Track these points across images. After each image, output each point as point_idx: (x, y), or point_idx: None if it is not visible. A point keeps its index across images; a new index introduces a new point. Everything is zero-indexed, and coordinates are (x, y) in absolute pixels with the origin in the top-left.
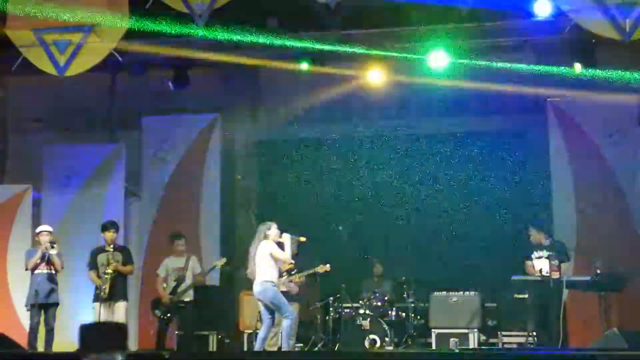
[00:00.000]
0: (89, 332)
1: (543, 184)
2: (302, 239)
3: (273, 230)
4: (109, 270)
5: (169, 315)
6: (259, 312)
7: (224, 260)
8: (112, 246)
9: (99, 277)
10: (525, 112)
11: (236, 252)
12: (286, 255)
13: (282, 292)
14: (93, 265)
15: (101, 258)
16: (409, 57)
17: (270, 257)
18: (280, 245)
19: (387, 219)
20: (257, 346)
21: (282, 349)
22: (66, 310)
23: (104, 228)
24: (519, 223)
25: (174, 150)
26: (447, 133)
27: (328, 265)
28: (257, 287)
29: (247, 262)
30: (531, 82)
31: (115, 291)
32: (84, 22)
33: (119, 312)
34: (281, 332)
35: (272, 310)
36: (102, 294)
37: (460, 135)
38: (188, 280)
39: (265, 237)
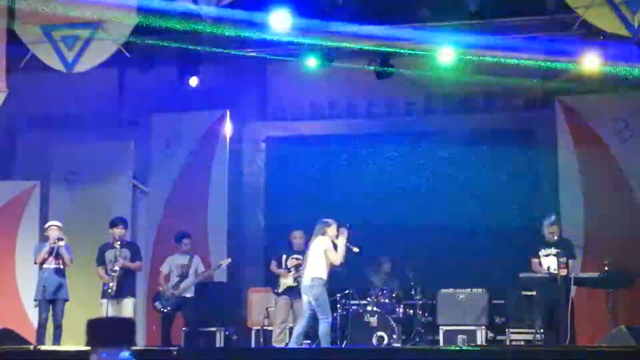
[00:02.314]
0: (96, 327)
1: (551, 181)
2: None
3: (331, 229)
4: (116, 268)
5: (168, 309)
6: (267, 308)
7: (228, 260)
8: (119, 243)
9: (107, 273)
10: (534, 109)
11: (243, 248)
12: (337, 256)
13: (291, 287)
14: (101, 261)
15: (109, 254)
16: (416, 53)
17: (323, 254)
18: (336, 246)
19: (395, 216)
20: (291, 342)
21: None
22: (74, 306)
23: (113, 224)
24: (527, 221)
25: (182, 147)
26: (455, 130)
27: None
28: (306, 282)
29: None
30: (539, 78)
31: (122, 287)
32: (92, 19)
33: (127, 308)
34: (320, 335)
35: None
36: (109, 290)
37: (467, 132)
38: (191, 277)
39: (324, 233)
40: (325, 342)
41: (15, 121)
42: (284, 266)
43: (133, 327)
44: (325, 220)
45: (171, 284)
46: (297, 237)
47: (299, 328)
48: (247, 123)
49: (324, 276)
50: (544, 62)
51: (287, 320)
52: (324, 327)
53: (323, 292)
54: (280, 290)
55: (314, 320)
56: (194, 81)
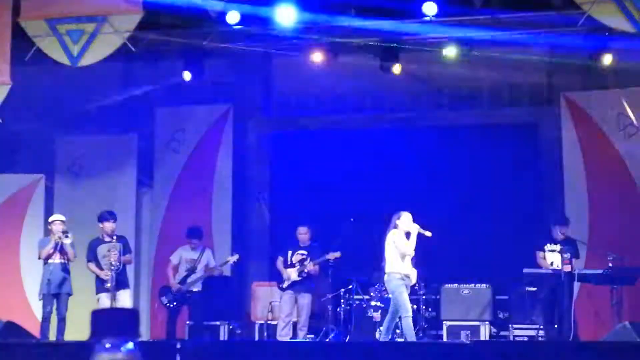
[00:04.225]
0: (100, 318)
1: (555, 176)
2: (428, 233)
3: (402, 219)
4: (118, 263)
5: (175, 304)
6: (271, 302)
7: (236, 256)
8: (113, 237)
9: (101, 269)
10: (538, 104)
11: (248, 243)
12: (407, 245)
13: (296, 281)
14: (92, 257)
15: (102, 250)
16: (422, 48)
17: (393, 247)
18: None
19: (399, 211)
20: (382, 337)
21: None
22: (77, 300)
23: (103, 218)
24: (531, 216)
25: (186, 141)
26: (460, 125)
27: (339, 252)
28: (385, 277)
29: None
30: (544, 74)
31: (118, 281)
32: (98, 12)
33: (124, 300)
34: (403, 331)
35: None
36: (108, 285)
37: (473, 127)
38: (199, 272)
39: (395, 226)
40: (409, 337)
41: (20, 114)
42: (289, 261)
43: (137, 317)
44: (397, 213)
45: (179, 277)
46: (302, 232)
47: (385, 323)
48: (252, 118)
49: (398, 270)
50: (550, 57)
51: (292, 315)
52: (404, 323)
53: (398, 286)
54: (285, 286)
55: (397, 315)
56: (187, 75)
